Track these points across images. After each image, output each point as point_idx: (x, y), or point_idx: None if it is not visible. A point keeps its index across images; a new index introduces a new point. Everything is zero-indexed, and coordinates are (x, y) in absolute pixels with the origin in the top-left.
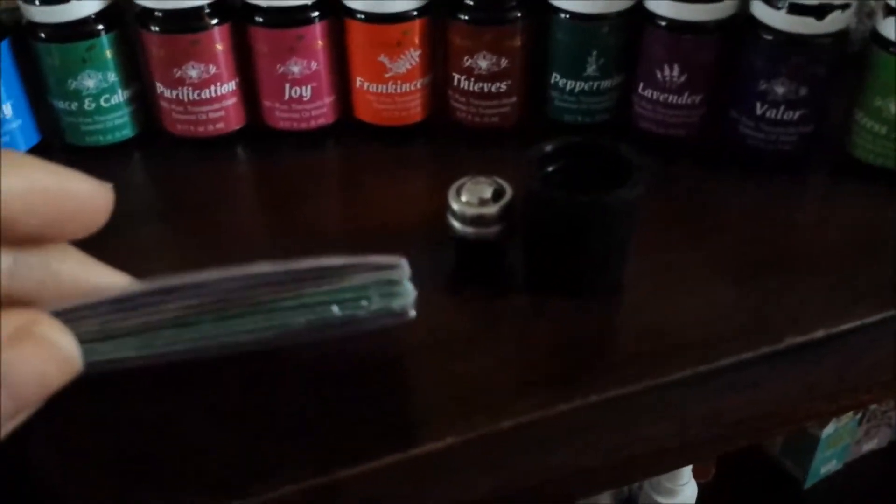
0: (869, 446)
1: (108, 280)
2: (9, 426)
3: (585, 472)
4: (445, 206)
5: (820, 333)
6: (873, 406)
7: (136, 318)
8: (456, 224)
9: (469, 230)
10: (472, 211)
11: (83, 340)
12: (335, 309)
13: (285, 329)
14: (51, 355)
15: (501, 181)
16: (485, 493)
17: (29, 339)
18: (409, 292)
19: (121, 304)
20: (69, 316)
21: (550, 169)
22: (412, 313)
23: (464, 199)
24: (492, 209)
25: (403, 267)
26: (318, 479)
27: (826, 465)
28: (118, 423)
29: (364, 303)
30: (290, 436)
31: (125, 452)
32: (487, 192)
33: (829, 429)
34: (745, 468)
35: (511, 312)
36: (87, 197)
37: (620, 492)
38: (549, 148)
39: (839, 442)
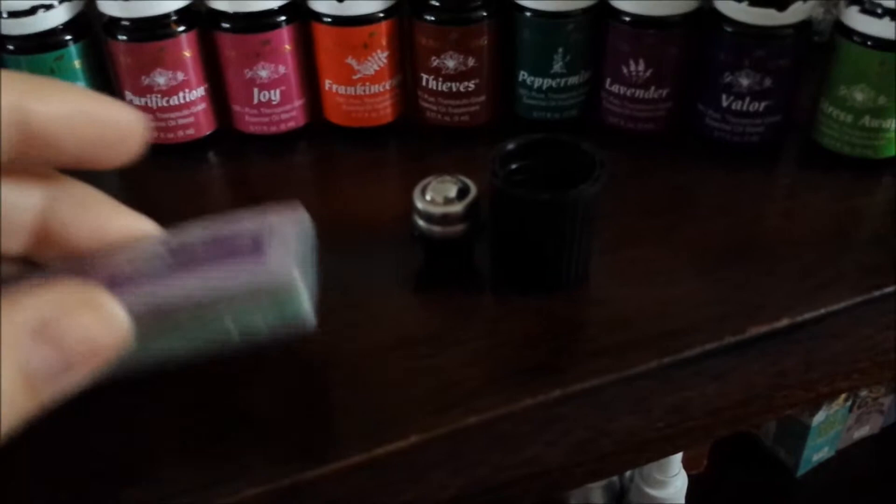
0: (860, 433)
1: (141, 226)
2: (58, 386)
3: (556, 466)
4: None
5: (784, 322)
6: (864, 392)
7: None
8: (421, 223)
9: (434, 229)
10: (436, 210)
11: None
12: (230, 324)
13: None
14: (105, 324)
15: (466, 179)
16: (453, 492)
17: (88, 306)
18: (303, 307)
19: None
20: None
21: (514, 166)
22: (311, 321)
23: (428, 198)
24: (456, 207)
25: (293, 279)
26: (280, 482)
27: (818, 452)
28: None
29: (258, 317)
30: (250, 437)
31: (86, 451)
32: (452, 191)
33: (819, 416)
34: (738, 458)
35: (478, 309)
36: (126, 124)
37: (612, 485)
38: (511, 146)
39: (830, 429)
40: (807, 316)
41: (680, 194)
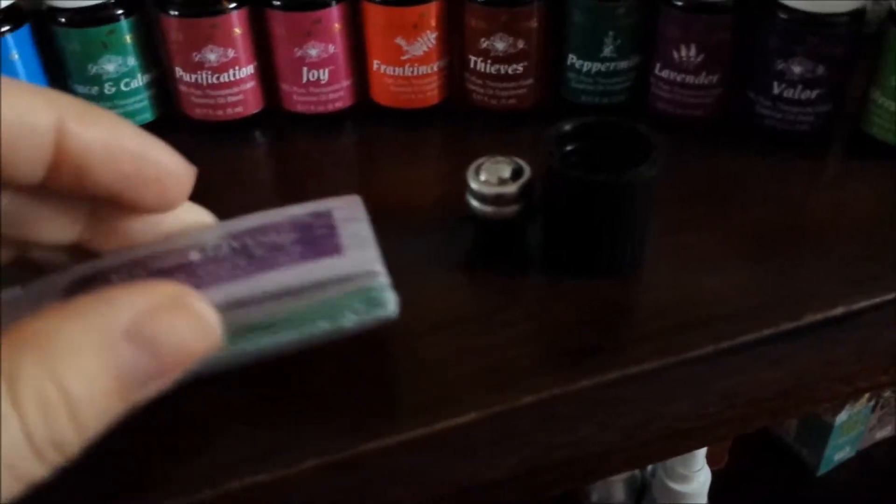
0: (882, 433)
1: (199, 217)
2: (149, 389)
3: (607, 448)
4: (464, 186)
5: (839, 311)
6: (887, 393)
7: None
8: (475, 203)
9: (488, 209)
10: (490, 190)
11: None
12: (324, 324)
13: (278, 345)
14: (198, 327)
15: (520, 161)
16: (504, 470)
17: (180, 308)
18: (390, 301)
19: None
20: None
21: (569, 148)
22: (394, 310)
23: (483, 178)
24: (511, 188)
25: (381, 276)
26: (340, 454)
27: (839, 452)
28: None
29: (350, 315)
30: (311, 411)
31: (148, 423)
32: (506, 172)
33: (842, 416)
34: (759, 455)
35: (529, 291)
36: (168, 166)
37: (633, 480)
38: (567, 127)
39: (853, 429)
40: (862, 304)
41: (729, 181)
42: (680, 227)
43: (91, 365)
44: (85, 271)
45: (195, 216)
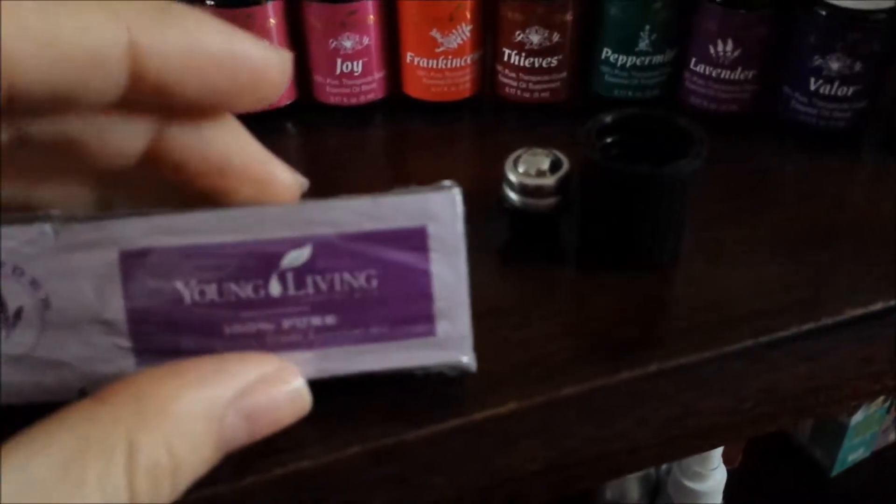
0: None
1: (288, 178)
2: (236, 448)
3: (642, 443)
4: (497, 179)
5: (879, 306)
6: None
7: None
8: (512, 195)
9: (526, 201)
10: (529, 182)
11: None
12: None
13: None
14: (294, 404)
15: (558, 153)
16: (542, 462)
17: (280, 384)
18: (470, 367)
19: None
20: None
21: (608, 140)
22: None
23: (521, 170)
24: (549, 180)
25: (468, 360)
26: (382, 441)
27: (853, 453)
28: None
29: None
30: (355, 399)
31: None
32: (545, 164)
33: (857, 416)
34: (773, 455)
35: (566, 284)
36: (260, 64)
37: (648, 478)
38: (608, 119)
39: (867, 430)
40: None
41: (764, 177)
42: (716, 223)
43: (200, 435)
44: (138, 241)
45: (277, 174)
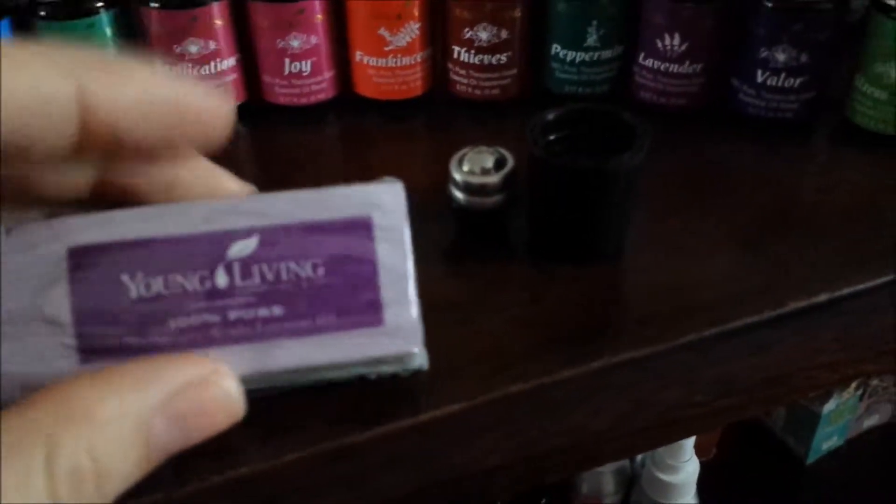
0: (870, 422)
1: (235, 187)
2: (168, 455)
3: (598, 437)
4: (447, 177)
5: (823, 297)
6: (875, 381)
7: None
8: (458, 194)
9: (471, 199)
10: (473, 180)
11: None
12: (343, 375)
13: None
14: (225, 406)
15: (503, 151)
16: (499, 458)
17: (210, 387)
18: (422, 364)
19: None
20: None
21: (553, 137)
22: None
23: (465, 168)
24: (493, 178)
25: (419, 353)
26: (330, 443)
27: (827, 441)
28: None
29: (374, 373)
30: (302, 401)
31: None
32: (489, 162)
33: (830, 405)
34: (747, 445)
35: (516, 279)
36: (209, 108)
37: (623, 470)
38: (551, 116)
39: (840, 418)
40: (846, 291)
41: (714, 169)
42: (665, 215)
43: (126, 440)
44: (85, 236)
45: (223, 184)
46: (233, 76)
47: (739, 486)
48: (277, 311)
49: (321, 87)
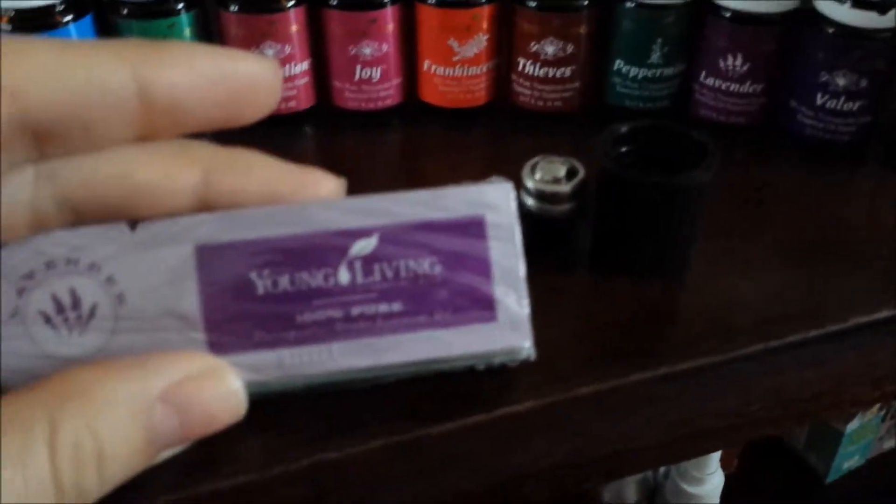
0: (890, 444)
1: (315, 186)
2: (171, 448)
3: (651, 441)
4: (517, 183)
5: (883, 314)
6: None
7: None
8: (528, 200)
9: (542, 207)
10: (546, 188)
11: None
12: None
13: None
14: (227, 402)
15: (575, 161)
16: (556, 459)
17: (213, 380)
18: (529, 356)
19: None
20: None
21: (622, 150)
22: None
23: (538, 176)
24: (565, 187)
25: (528, 347)
26: (403, 436)
27: (848, 460)
28: None
29: (491, 361)
30: (377, 395)
31: None
32: (561, 171)
33: (853, 424)
34: (768, 461)
35: (577, 289)
36: (259, 77)
37: (646, 481)
38: (623, 129)
39: (862, 438)
40: None
41: (769, 189)
42: (721, 232)
43: (126, 424)
44: (212, 234)
45: (315, 187)
46: (305, 80)
47: (758, 501)
48: (396, 306)
49: (388, 93)
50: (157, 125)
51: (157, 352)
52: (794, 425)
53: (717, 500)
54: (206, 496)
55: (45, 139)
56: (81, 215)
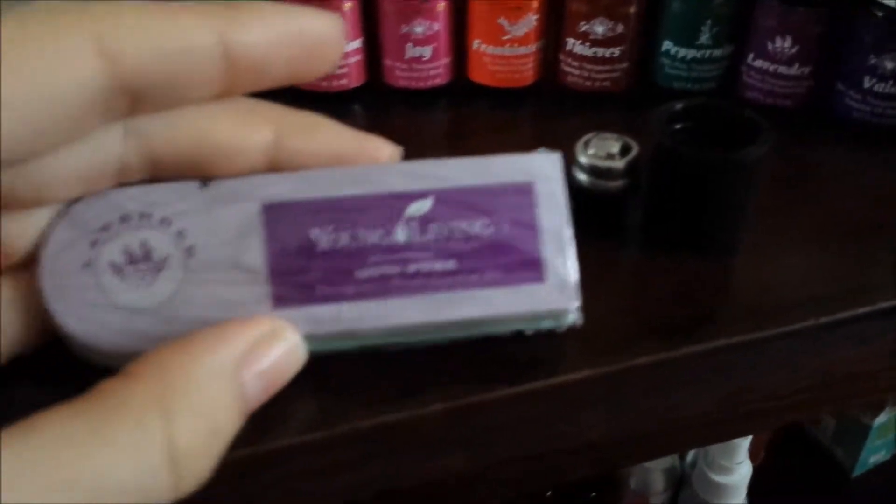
0: None
1: (375, 150)
2: (256, 407)
3: (704, 417)
4: (570, 159)
5: None
6: None
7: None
8: (581, 176)
9: (595, 182)
10: (599, 164)
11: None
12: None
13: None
14: (292, 357)
15: (627, 138)
16: (600, 431)
17: (279, 340)
18: (575, 320)
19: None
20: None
21: (677, 127)
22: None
23: (591, 152)
24: (619, 163)
25: (576, 309)
26: (465, 399)
27: (875, 454)
28: None
29: (539, 325)
30: (440, 361)
31: None
32: (615, 148)
33: (881, 418)
34: (795, 454)
35: (629, 264)
36: (327, 33)
37: (673, 470)
38: (678, 107)
39: (889, 432)
40: None
41: (817, 169)
42: (769, 212)
43: (226, 397)
44: (278, 193)
45: (375, 151)
46: (357, 57)
47: (785, 493)
48: (451, 265)
49: (438, 72)
50: (236, 84)
51: (220, 325)
52: (833, 409)
53: (745, 491)
54: (268, 454)
55: (138, 99)
56: (159, 171)
